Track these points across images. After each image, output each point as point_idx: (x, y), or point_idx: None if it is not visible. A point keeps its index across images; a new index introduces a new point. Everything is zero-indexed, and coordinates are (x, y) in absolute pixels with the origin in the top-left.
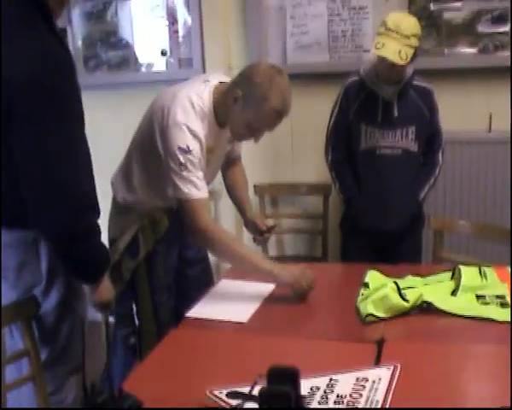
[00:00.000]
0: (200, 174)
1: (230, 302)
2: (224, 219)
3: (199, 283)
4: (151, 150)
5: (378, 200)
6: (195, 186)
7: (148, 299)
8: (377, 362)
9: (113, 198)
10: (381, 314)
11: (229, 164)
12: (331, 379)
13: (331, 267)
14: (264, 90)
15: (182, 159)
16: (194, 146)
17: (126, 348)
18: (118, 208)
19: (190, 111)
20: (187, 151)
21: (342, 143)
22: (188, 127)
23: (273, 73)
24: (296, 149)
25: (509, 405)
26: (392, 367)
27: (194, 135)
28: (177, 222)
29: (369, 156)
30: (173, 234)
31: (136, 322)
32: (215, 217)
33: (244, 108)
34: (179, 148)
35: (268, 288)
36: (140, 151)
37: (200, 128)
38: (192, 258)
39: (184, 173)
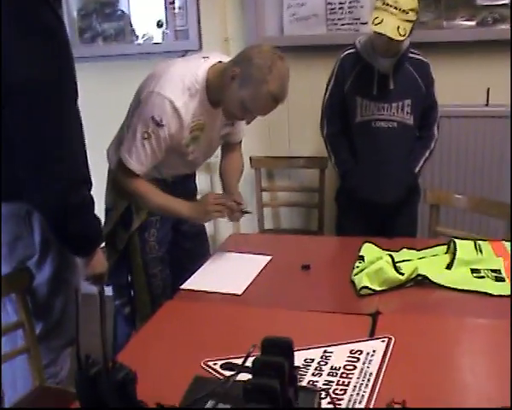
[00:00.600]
0: (152, 157)
1: (226, 274)
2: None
3: (195, 255)
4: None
5: (374, 173)
6: (140, 161)
7: (141, 270)
8: (371, 335)
9: (108, 168)
10: (375, 287)
11: (228, 149)
12: (325, 351)
13: (327, 241)
14: (263, 73)
15: (150, 129)
16: (170, 124)
17: (123, 318)
18: (112, 179)
19: (178, 87)
20: (159, 124)
21: (338, 115)
22: (171, 103)
23: (275, 57)
24: (293, 123)
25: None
26: (386, 340)
27: (175, 112)
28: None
29: (364, 129)
30: None
31: (131, 293)
32: (211, 190)
33: (240, 87)
34: (153, 117)
35: (264, 260)
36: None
37: (186, 106)
38: (187, 231)
39: (144, 143)
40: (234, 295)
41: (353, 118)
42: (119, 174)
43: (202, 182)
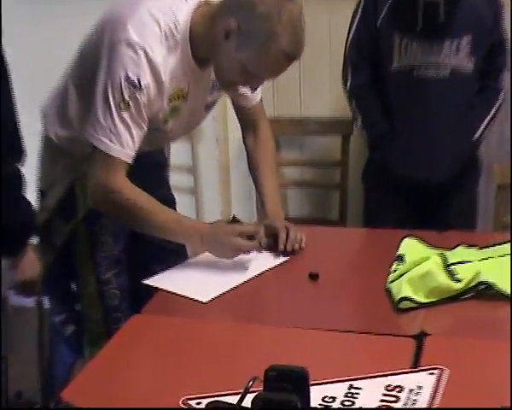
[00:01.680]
0: (138, 131)
1: (209, 276)
2: (204, 166)
3: (165, 253)
4: (94, 71)
5: (416, 140)
6: (121, 141)
7: (90, 274)
8: (415, 364)
9: (43, 135)
10: (420, 298)
11: (249, 126)
12: (351, 386)
13: (351, 234)
14: (270, 25)
15: (126, 94)
16: (149, 83)
17: (63, 341)
18: (49, 150)
19: (153, 31)
20: (136, 86)
21: (366, 61)
22: (145, 53)
23: (285, 1)
24: (306, 75)
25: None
26: (436, 372)
27: (153, 67)
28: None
29: (404, 79)
30: None
31: (77, 307)
32: (193, 163)
33: (239, 47)
34: (127, 78)
35: (276, 260)
36: (80, 71)
37: (165, 59)
38: None
39: (123, 115)
40: (199, 302)
41: (388, 64)
42: (98, 171)
43: (180, 152)
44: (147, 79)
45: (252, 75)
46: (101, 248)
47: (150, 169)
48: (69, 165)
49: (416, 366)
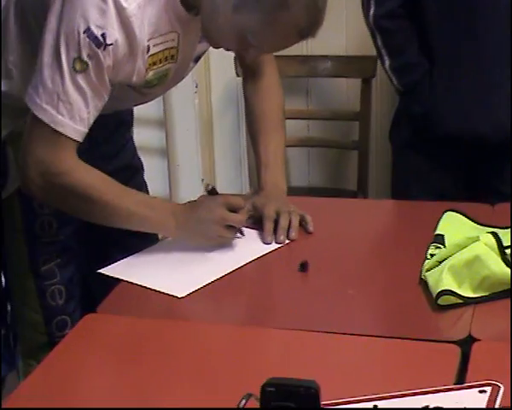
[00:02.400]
0: (96, 101)
1: (184, 265)
2: (179, 119)
3: (128, 236)
4: (44, 6)
5: (467, 84)
6: (72, 113)
7: (24, 266)
8: (461, 378)
9: None
10: (467, 292)
11: (250, 71)
12: (376, 407)
13: (373, 208)
14: None
15: (85, 51)
16: (118, 40)
17: None
18: None
19: None
20: (100, 43)
21: None
22: (116, 3)
23: None
24: None
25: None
26: (488, 389)
27: (125, 18)
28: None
29: (449, 5)
30: None
31: (8, 307)
32: (164, 115)
33: (239, 7)
34: (88, 30)
35: (261, 248)
36: (23, 8)
37: (141, 7)
38: None
39: (78, 79)
40: (173, 297)
41: None
42: (40, 148)
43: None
44: (115, 35)
45: (250, 44)
46: (40, 231)
47: (111, 127)
48: (4, 123)
49: (461, 382)
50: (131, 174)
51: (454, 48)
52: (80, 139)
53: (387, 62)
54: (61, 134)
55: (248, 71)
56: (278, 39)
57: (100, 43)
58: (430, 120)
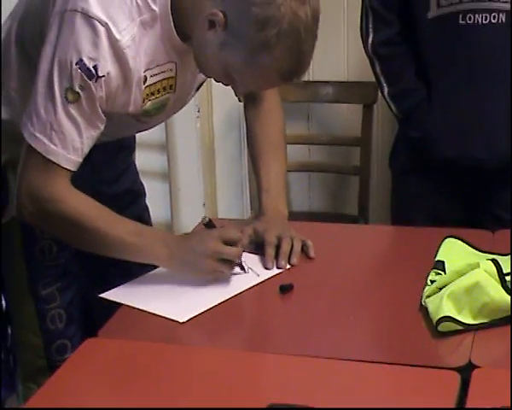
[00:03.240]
0: (90, 131)
1: (185, 289)
2: (182, 144)
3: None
4: (42, 35)
5: (464, 110)
6: (65, 143)
7: (24, 290)
8: (461, 405)
9: None
10: (467, 319)
11: (251, 95)
12: None
13: (374, 233)
14: (264, 32)
15: (77, 82)
16: (111, 72)
17: None
18: None
19: (122, 3)
20: (91, 74)
21: (394, 7)
22: (108, 31)
23: (294, 3)
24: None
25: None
26: None
27: (118, 50)
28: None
29: (445, 29)
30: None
31: (9, 330)
32: (166, 139)
33: (224, 45)
34: (81, 62)
35: (263, 272)
36: (24, 29)
37: (135, 40)
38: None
39: (70, 110)
40: (174, 322)
41: (424, 10)
42: (33, 175)
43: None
44: (107, 67)
45: (234, 80)
46: (41, 255)
47: (111, 152)
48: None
49: (461, 409)
50: (132, 199)
51: (451, 73)
52: (74, 168)
53: (386, 89)
54: (53, 163)
55: (249, 95)
56: (260, 80)
57: (92, 74)
58: (428, 145)
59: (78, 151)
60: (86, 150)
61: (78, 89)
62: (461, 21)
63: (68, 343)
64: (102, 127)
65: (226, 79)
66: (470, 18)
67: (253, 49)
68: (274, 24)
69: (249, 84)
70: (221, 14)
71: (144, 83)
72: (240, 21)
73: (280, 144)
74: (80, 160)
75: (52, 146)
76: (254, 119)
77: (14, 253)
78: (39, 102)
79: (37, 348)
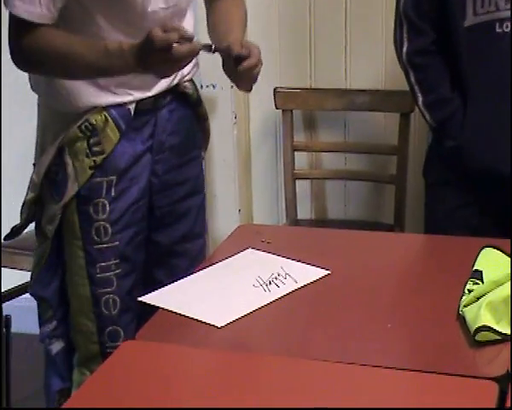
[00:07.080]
0: None
1: (223, 294)
2: (217, 151)
3: (172, 255)
4: None
5: (500, 120)
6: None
7: (81, 272)
8: None
9: (38, 103)
10: (505, 329)
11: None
12: None
13: (410, 242)
14: None
15: None
16: None
17: (51, 362)
18: (42, 115)
19: None
20: None
21: (428, 18)
22: None
23: None
24: (353, 34)
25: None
26: None
27: None
28: (136, 131)
29: (481, 38)
30: (129, 154)
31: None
32: None
33: None
34: None
35: (316, 273)
36: None
37: None
38: (169, 210)
39: None
40: (212, 327)
41: (460, 19)
42: (9, 36)
43: None
44: None
45: None
46: (97, 236)
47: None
48: (59, 127)
49: None
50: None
51: (487, 82)
52: (36, 19)
53: (420, 99)
54: (18, 18)
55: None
56: None
57: None
58: (462, 155)
59: (34, 2)
60: (51, 6)
61: None
62: (497, 30)
63: (121, 331)
64: None
65: None
66: (507, 26)
67: None
68: None
69: None
70: None
71: None
72: None
73: (240, 25)
74: (41, 10)
75: (17, 5)
76: (216, 11)
77: (73, 236)
78: None
79: (91, 333)
